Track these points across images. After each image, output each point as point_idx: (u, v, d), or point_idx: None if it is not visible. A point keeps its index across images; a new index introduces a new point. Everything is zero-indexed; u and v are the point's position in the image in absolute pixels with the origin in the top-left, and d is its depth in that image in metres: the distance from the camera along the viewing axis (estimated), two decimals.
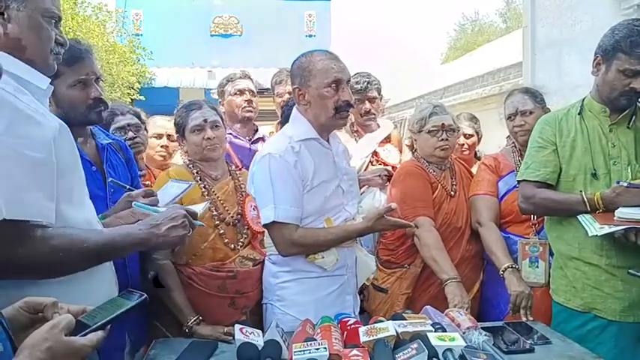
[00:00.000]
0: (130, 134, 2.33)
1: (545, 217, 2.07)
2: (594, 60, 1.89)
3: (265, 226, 1.82)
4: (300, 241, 1.79)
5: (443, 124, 2.32)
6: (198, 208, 1.62)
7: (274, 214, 1.76)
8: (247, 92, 2.84)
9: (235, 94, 2.84)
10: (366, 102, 2.76)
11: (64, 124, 1.26)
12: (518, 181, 2.04)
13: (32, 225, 1.09)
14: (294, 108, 1.94)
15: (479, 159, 3.00)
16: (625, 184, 1.74)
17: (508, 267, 2.06)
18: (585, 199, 1.81)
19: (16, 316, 0.93)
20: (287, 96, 2.92)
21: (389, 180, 2.59)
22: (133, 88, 10.00)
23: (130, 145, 2.09)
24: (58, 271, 1.17)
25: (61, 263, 1.15)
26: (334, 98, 1.80)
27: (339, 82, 1.80)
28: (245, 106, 2.82)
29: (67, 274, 1.18)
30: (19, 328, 0.90)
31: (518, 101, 2.31)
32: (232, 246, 1.95)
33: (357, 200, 2.02)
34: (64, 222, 1.20)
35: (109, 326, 0.91)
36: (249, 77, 2.94)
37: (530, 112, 2.26)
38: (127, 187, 1.72)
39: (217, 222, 1.95)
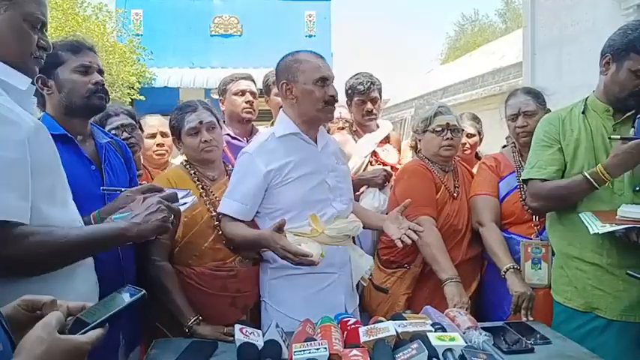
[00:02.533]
0: (125, 135, 2.32)
1: (547, 217, 2.07)
2: (603, 59, 1.89)
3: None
4: (226, 230, 1.88)
5: (448, 123, 2.33)
6: (184, 195, 1.63)
7: (220, 206, 1.90)
8: (249, 93, 2.85)
9: (237, 93, 2.85)
10: (369, 102, 2.78)
11: (42, 124, 1.25)
12: (524, 181, 2.04)
13: (5, 224, 1.09)
14: (281, 109, 1.98)
15: (479, 159, 3.00)
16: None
17: (509, 268, 2.06)
18: (588, 176, 1.80)
19: (15, 314, 0.93)
20: None
21: (388, 180, 2.59)
22: (133, 88, 9.99)
23: None
24: (39, 268, 1.18)
25: (40, 260, 1.16)
26: (321, 93, 1.87)
27: (325, 79, 1.87)
28: (245, 107, 2.83)
29: (50, 270, 1.19)
30: (18, 326, 0.89)
31: (521, 102, 2.30)
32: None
33: (346, 197, 2.02)
34: (46, 221, 1.20)
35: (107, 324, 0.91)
36: (252, 79, 2.95)
37: (533, 113, 2.26)
38: (121, 190, 1.71)
39: (216, 222, 1.94)
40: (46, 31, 1.35)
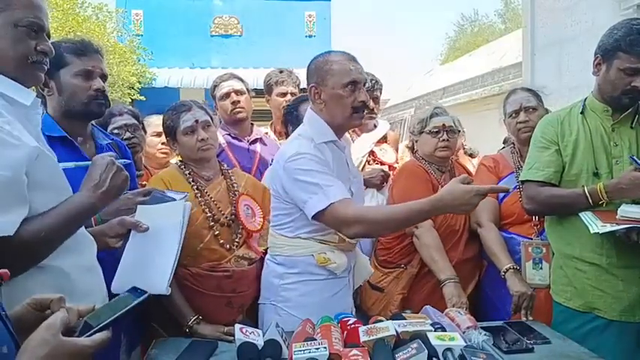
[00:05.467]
0: (128, 134, 2.33)
1: (546, 217, 2.07)
2: (595, 60, 1.90)
3: (318, 216, 1.70)
4: (360, 216, 1.67)
5: (443, 124, 2.34)
6: (181, 197, 1.65)
7: (326, 197, 1.67)
8: (233, 93, 2.79)
9: (221, 98, 2.81)
10: (371, 100, 2.79)
11: (43, 149, 1.24)
12: (522, 182, 2.04)
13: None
14: (309, 108, 1.91)
15: (471, 155, 3.01)
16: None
17: (509, 268, 2.06)
18: (587, 193, 1.81)
19: (25, 314, 0.93)
20: (289, 96, 2.92)
21: (385, 180, 2.60)
22: (133, 88, 9.99)
23: (127, 146, 2.09)
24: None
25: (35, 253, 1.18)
26: (351, 98, 1.80)
27: (355, 83, 1.80)
28: (232, 108, 2.78)
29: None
30: (29, 326, 0.88)
31: (522, 98, 2.32)
32: (228, 246, 1.94)
33: (361, 202, 2.01)
34: None
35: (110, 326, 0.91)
36: (234, 76, 2.88)
37: (534, 109, 2.27)
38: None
39: (212, 223, 1.93)
40: (49, 36, 1.32)
